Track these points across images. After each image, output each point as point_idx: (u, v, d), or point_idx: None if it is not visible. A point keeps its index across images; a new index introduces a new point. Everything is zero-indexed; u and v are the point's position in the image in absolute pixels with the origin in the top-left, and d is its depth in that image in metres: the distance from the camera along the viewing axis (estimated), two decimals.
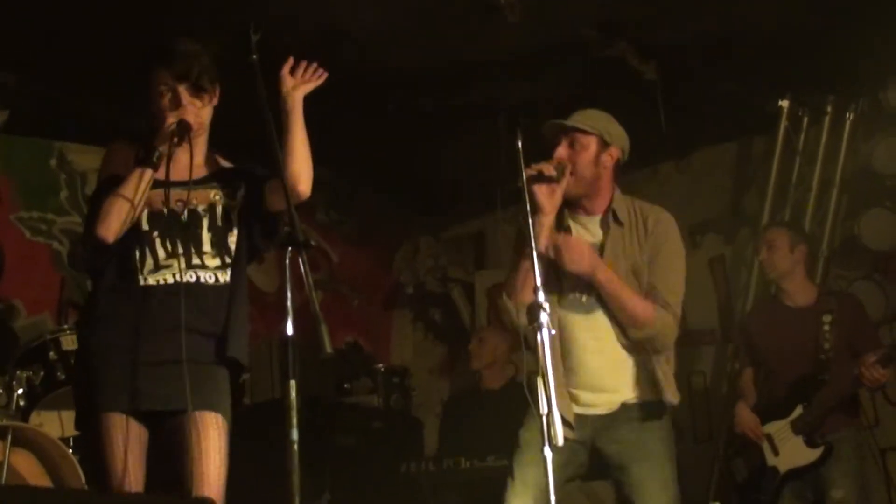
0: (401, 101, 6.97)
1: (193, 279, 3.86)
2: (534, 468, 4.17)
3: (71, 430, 5.57)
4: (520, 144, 4.03)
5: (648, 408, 4.48)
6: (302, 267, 3.33)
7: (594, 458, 4.48)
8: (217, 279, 3.91)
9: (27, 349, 5.38)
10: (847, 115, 7.14)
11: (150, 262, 3.82)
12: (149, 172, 3.77)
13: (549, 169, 4.35)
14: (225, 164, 4.12)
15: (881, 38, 6.22)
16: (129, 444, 3.69)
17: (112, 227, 3.72)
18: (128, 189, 3.74)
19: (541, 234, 4.30)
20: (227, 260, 3.93)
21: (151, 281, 3.81)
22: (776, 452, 5.81)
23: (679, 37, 6.42)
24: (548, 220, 4.37)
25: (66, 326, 5.56)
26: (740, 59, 6.59)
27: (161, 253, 3.84)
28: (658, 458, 4.47)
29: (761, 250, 6.15)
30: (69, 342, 5.36)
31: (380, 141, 7.67)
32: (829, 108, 7.21)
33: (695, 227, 8.01)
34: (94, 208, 3.79)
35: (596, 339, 4.44)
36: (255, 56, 3.64)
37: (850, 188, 7.20)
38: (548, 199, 4.35)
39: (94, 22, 5.81)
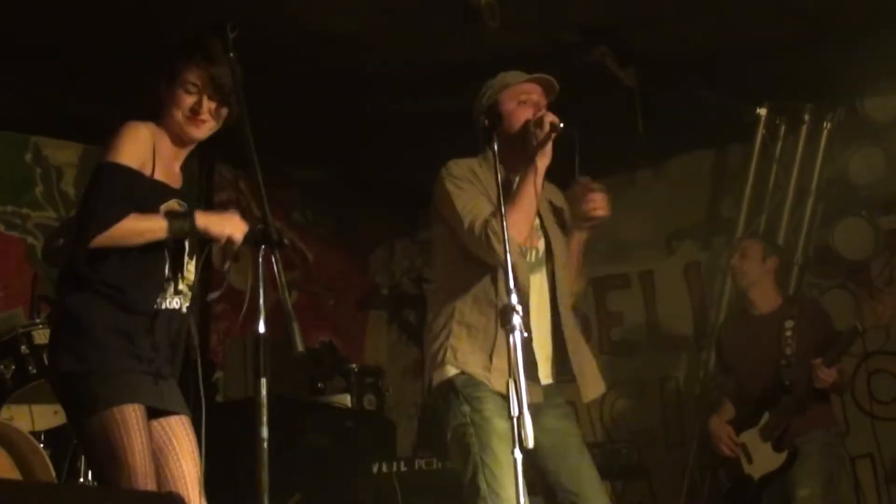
0: (378, 103, 6.97)
1: (178, 306, 3.84)
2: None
3: (42, 425, 5.56)
4: (496, 148, 4.05)
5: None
6: (275, 265, 3.33)
7: None
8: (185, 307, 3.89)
9: None
10: (824, 124, 7.17)
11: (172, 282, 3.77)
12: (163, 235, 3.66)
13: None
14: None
15: (859, 49, 6.24)
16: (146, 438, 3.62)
17: (109, 245, 3.61)
18: (145, 230, 3.64)
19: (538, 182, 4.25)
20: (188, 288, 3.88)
21: (165, 304, 3.77)
22: (750, 461, 5.86)
23: (658, 44, 6.43)
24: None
25: (38, 321, 5.53)
26: (719, 66, 6.61)
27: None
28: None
29: (734, 256, 6.20)
30: (41, 336, 5.34)
31: (357, 143, 7.67)
32: (806, 118, 7.23)
33: (671, 233, 8.06)
34: (113, 215, 3.58)
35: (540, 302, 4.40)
36: (231, 53, 3.62)
37: (825, 197, 7.23)
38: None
39: (72, 17, 5.79)
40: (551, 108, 4.46)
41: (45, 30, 5.96)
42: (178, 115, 3.82)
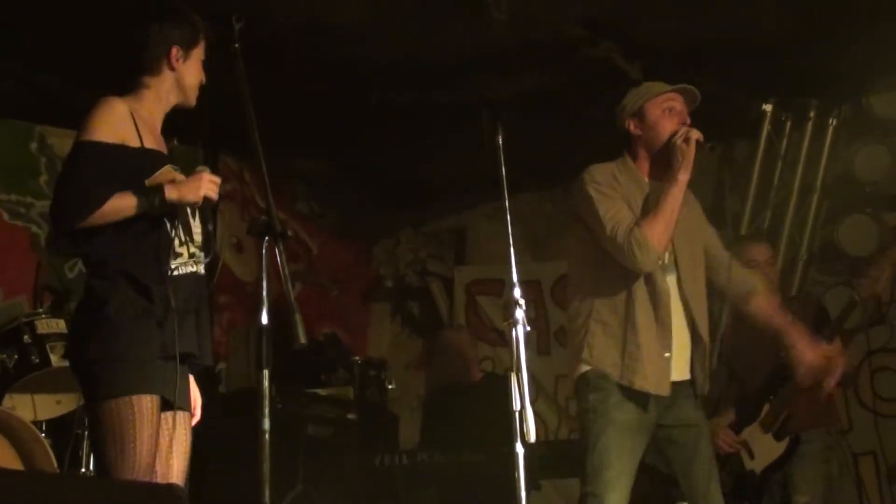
0: (384, 95, 6.96)
1: (196, 269, 3.84)
2: (630, 456, 4.44)
3: (44, 414, 5.56)
4: (501, 141, 4.05)
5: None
6: (278, 257, 3.33)
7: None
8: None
9: (1, 332, 5.35)
10: (830, 120, 7.16)
11: (171, 247, 3.72)
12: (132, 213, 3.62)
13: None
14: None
15: (865, 45, 6.23)
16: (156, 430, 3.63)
17: (89, 224, 3.58)
18: (121, 209, 3.59)
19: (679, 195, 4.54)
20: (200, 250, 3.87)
21: (176, 270, 3.72)
22: (752, 456, 5.83)
23: (664, 38, 6.43)
24: None
25: (41, 310, 5.54)
26: (724, 62, 6.59)
27: (176, 240, 3.76)
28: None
29: (762, 267, 6.03)
30: (44, 326, 5.34)
31: (362, 134, 7.66)
32: (812, 114, 7.22)
33: None
34: (96, 196, 3.56)
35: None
36: (237, 45, 3.62)
37: (830, 194, 7.22)
38: None
39: (77, 7, 5.79)
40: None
41: (51, 18, 5.95)
42: (193, 83, 3.87)
